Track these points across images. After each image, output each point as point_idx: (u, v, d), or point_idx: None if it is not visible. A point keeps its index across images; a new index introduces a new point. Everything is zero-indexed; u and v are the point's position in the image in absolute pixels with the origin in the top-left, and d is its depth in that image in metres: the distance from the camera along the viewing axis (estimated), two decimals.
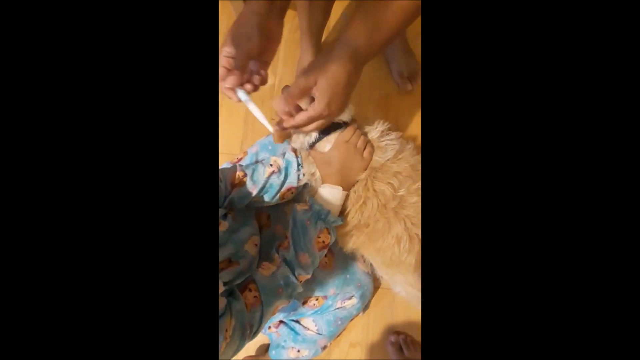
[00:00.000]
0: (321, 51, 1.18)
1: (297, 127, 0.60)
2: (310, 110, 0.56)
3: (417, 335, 0.98)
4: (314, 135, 0.70)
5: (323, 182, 0.68)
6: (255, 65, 0.60)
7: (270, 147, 0.95)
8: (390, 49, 1.15)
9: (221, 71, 0.58)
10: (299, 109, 0.59)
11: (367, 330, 0.99)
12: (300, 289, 0.65)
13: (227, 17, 1.27)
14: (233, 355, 0.57)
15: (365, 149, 0.68)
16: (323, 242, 0.66)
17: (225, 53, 0.57)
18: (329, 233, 0.67)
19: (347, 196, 0.69)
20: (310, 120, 0.58)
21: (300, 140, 0.72)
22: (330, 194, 0.66)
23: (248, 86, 0.59)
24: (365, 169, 0.67)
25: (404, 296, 0.81)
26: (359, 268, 0.91)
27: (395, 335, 0.97)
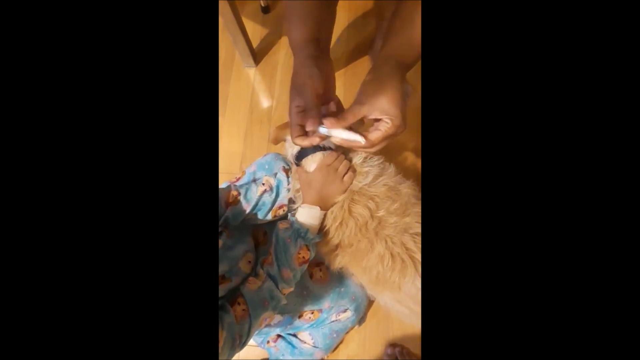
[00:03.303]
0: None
1: (373, 147, 0.61)
2: (385, 130, 0.58)
3: (414, 348, 0.99)
4: (297, 147, 0.74)
5: (303, 202, 0.72)
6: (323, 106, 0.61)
7: (266, 167, 0.99)
8: None
9: (295, 130, 0.59)
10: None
11: (364, 343, 1.01)
12: (284, 302, 0.69)
13: (225, 46, 1.34)
14: None
15: (346, 173, 0.71)
16: (303, 257, 0.70)
17: (295, 108, 0.59)
18: (309, 249, 0.71)
19: (325, 215, 0.72)
20: (386, 138, 0.59)
21: (287, 150, 0.78)
22: (308, 213, 0.70)
23: (327, 121, 0.59)
24: (344, 193, 0.71)
25: (394, 314, 0.83)
26: (353, 282, 0.94)
27: (391, 347, 0.99)
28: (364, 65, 1.27)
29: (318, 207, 0.69)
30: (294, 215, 0.72)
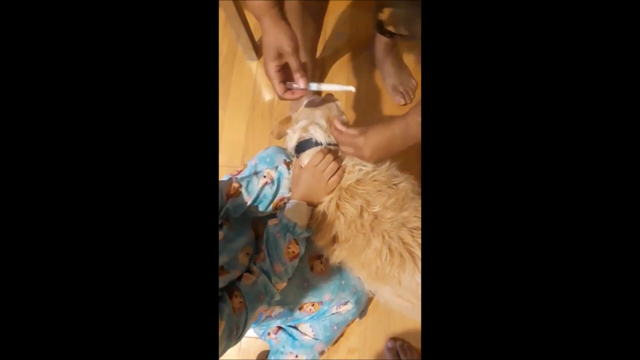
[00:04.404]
0: (317, 66, 1.23)
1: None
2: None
3: (414, 341, 0.99)
4: (295, 140, 0.75)
5: (291, 197, 0.73)
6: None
7: (268, 160, 0.99)
8: (385, 64, 1.19)
9: (279, 88, 0.63)
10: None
11: (365, 336, 1.01)
12: (277, 297, 0.70)
13: (227, 40, 1.33)
14: (221, 355, 0.61)
15: (333, 175, 0.71)
16: (293, 252, 0.70)
17: (275, 67, 0.62)
18: (298, 244, 0.71)
19: (314, 211, 0.73)
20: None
21: (288, 143, 0.79)
22: (296, 208, 0.71)
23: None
24: (329, 194, 0.71)
25: (396, 308, 0.83)
26: (353, 274, 0.94)
27: (392, 341, 0.99)
28: (364, 58, 1.26)
29: (305, 203, 0.70)
30: (282, 210, 0.73)
